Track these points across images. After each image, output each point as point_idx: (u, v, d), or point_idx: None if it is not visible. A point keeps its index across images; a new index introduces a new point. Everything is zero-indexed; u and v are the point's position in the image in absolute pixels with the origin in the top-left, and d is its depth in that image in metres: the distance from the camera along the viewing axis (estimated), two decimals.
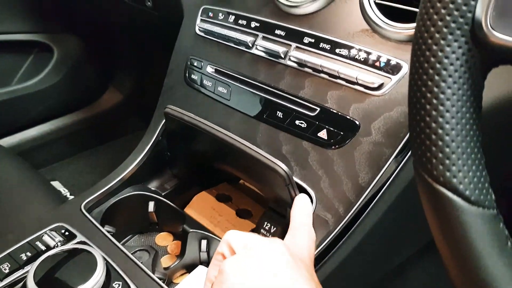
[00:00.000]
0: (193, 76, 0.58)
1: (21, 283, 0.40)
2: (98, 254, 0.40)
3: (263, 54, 0.51)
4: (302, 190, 0.45)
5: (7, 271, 0.41)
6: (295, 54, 0.48)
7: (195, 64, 0.58)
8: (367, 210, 0.43)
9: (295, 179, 0.45)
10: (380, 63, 0.43)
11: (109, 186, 0.53)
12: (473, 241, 0.22)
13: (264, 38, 0.51)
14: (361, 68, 0.44)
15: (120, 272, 0.41)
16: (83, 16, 1.16)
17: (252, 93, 0.51)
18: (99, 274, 0.39)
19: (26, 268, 0.41)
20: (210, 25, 0.58)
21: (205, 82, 0.56)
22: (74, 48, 1.19)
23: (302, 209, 0.42)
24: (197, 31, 0.60)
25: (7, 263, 0.42)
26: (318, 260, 0.43)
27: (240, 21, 0.54)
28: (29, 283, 0.37)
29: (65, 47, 1.17)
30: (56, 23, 1.15)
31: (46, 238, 0.45)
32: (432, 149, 0.22)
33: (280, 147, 0.48)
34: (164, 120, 0.57)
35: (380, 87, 0.43)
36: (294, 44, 0.48)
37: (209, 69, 0.56)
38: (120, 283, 0.40)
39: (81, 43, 1.19)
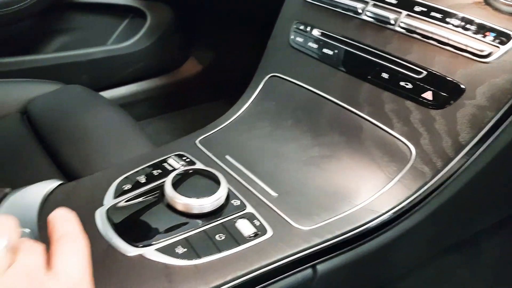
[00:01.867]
0: (298, 39, 0.63)
1: (157, 191, 0.47)
2: (220, 174, 0.47)
3: (372, 20, 0.55)
4: (402, 144, 0.49)
5: (143, 181, 0.49)
6: (405, 20, 0.52)
7: (301, 27, 0.63)
8: (464, 167, 0.46)
9: (395, 134, 0.50)
10: (490, 33, 0.46)
11: (217, 130, 0.60)
12: None
13: (374, 5, 0.55)
14: (470, 37, 0.47)
15: (236, 193, 0.48)
16: None
17: (358, 55, 0.55)
18: (224, 189, 0.45)
19: (160, 180, 0.48)
20: None
21: (310, 44, 0.61)
22: (166, 17, 1.27)
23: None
24: None
25: (143, 175, 0.50)
26: (409, 209, 0.48)
27: None
28: (167, 188, 0.45)
29: (158, 15, 1.26)
30: None
31: (171, 161, 0.52)
32: None
33: (382, 106, 0.52)
34: (266, 78, 0.63)
35: (488, 55, 0.46)
36: (404, 12, 0.52)
37: (315, 32, 0.61)
38: (239, 201, 0.47)
39: (172, 13, 1.27)
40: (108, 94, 1.22)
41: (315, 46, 0.60)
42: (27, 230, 0.41)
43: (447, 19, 0.49)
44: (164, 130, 1.29)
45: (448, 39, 0.48)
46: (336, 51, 0.58)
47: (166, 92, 1.35)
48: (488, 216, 0.60)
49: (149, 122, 1.29)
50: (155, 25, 1.26)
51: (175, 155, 0.54)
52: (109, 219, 0.44)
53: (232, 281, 0.39)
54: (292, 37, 0.64)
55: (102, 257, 0.40)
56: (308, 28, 0.62)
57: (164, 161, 0.53)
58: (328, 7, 0.60)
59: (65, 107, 0.91)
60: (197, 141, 0.57)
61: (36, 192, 0.47)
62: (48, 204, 0.46)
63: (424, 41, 0.50)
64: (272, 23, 0.67)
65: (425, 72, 0.49)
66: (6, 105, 0.93)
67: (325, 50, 0.59)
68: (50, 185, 0.49)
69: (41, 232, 0.41)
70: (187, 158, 0.53)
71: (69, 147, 0.80)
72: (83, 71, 1.18)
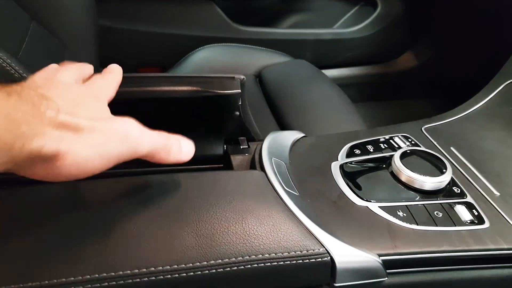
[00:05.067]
0: None
1: (385, 161, 0.54)
2: (446, 161, 0.51)
3: None
4: None
5: (371, 150, 0.57)
6: None
7: None
8: None
9: None
10: None
11: (444, 122, 0.63)
12: None
13: None
14: None
15: (458, 182, 0.52)
16: None
17: None
18: (448, 175, 0.50)
19: (388, 153, 0.55)
20: None
21: None
22: (395, 9, 1.31)
23: None
24: None
25: (372, 145, 0.57)
26: None
27: None
28: (396, 159, 0.52)
29: (388, 4, 1.31)
30: None
31: (397, 139, 0.59)
32: None
33: None
34: (505, 84, 0.64)
35: None
36: None
37: None
38: (459, 190, 0.51)
39: (402, 6, 1.31)
40: (326, 73, 1.34)
41: None
42: (283, 163, 0.53)
43: None
44: (373, 117, 1.35)
45: None
46: None
47: (377, 81, 1.40)
48: None
49: (358, 106, 1.37)
50: (383, 15, 1.31)
51: (402, 135, 0.60)
52: (343, 172, 0.53)
53: (447, 252, 0.44)
54: None
55: (335, 199, 0.50)
56: None
57: (391, 138, 0.60)
58: None
59: (291, 77, 1.05)
60: (423, 128, 0.62)
61: (289, 136, 0.59)
62: (295, 147, 0.58)
63: None
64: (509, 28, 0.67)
65: None
66: (245, 66, 1.12)
67: None
68: (298, 134, 0.61)
69: (291, 165, 0.53)
70: (413, 140, 0.59)
71: (292, 112, 0.93)
72: (308, 48, 1.32)
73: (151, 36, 1.23)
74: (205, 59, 1.14)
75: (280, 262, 0.40)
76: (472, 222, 0.47)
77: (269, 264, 0.40)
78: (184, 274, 0.38)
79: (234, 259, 0.39)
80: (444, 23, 1.32)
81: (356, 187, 0.51)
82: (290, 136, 0.60)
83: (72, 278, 0.36)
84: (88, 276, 0.36)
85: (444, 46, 1.35)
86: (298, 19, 1.38)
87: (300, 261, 0.41)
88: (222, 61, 1.15)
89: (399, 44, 1.39)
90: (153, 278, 0.37)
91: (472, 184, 0.52)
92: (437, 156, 0.53)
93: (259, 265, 0.40)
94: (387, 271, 0.44)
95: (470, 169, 0.55)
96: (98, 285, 0.36)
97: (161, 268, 0.38)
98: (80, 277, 0.36)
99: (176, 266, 0.38)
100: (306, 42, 1.32)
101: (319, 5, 1.38)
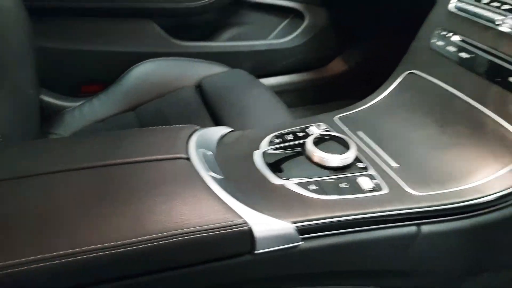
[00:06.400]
0: (438, 43, 0.72)
1: (300, 146, 0.61)
2: (351, 141, 0.59)
3: (509, 31, 0.62)
4: None
5: (290, 138, 0.64)
6: None
7: (443, 33, 0.71)
8: None
9: None
10: None
11: (354, 111, 0.72)
12: None
13: None
14: None
15: (362, 158, 0.60)
16: None
17: (491, 60, 0.62)
18: (352, 152, 0.58)
19: (303, 140, 0.62)
20: (465, 4, 0.70)
21: (449, 48, 0.69)
22: (321, 18, 1.42)
23: None
24: (450, 9, 0.73)
25: (291, 134, 0.65)
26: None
27: (492, 3, 0.66)
28: (308, 143, 0.59)
29: (315, 16, 1.42)
30: None
31: (312, 128, 0.66)
32: None
33: (506, 106, 0.58)
34: (405, 74, 0.73)
35: None
36: None
37: (455, 38, 0.69)
38: (363, 164, 0.59)
39: (328, 15, 1.42)
40: (263, 81, 1.42)
41: (453, 49, 0.68)
42: (209, 152, 0.59)
43: None
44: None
45: None
46: (472, 55, 0.65)
47: (313, 85, 1.50)
48: None
49: (296, 110, 1.46)
50: (311, 26, 1.42)
51: (316, 124, 0.68)
52: (263, 158, 0.60)
53: (350, 216, 0.51)
54: (433, 40, 0.73)
55: (255, 180, 0.56)
56: (449, 34, 0.70)
57: (307, 127, 0.67)
58: (470, 17, 0.68)
59: (230, 85, 1.12)
60: (335, 118, 0.70)
61: (217, 131, 0.65)
62: (223, 140, 0.64)
63: None
64: (414, 29, 0.77)
65: None
66: (185, 78, 1.18)
67: (461, 54, 0.67)
68: (226, 129, 0.67)
69: (218, 154, 0.59)
70: (326, 128, 0.67)
71: (230, 116, 1.00)
72: (245, 59, 1.40)
73: (91, 54, 1.26)
74: (146, 74, 1.20)
75: (204, 234, 0.46)
76: (373, 190, 0.55)
77: (193, 236, 0.45)
78: (115, 251, 0.43)
79: (160, 234, 0.44)
80: (367, 31, 1.44)
81: (275, 169, 0.58)
82: (218, 131, 0.66)
83: (11, 261, 0.40)
84: (26, 259, 0.40)
85: (369, 51, 1.47)
86: (235, 32, 1.46)
87: (222, 231, 0.46)
88: (162, 74, 1.20)
89: (329, 51, 1.50)
90: (86, 256, 0.42)
91: (374, 160, 0.60)
92: (343, 138, 0.61)
93: (185, 237, 0.45)
94: (302, 236, 0.50)
95: (373, 148, 0.63)
96: (35, 265, 0.40)
97: (93, 246, 0.42)
98: (19, 260, 0.40)
99: (107, 244, 0.42)
100: (243, 54, 1.40)
101: (253, 19, 1.46)
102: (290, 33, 1.43)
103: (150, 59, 1.22)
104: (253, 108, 1.03)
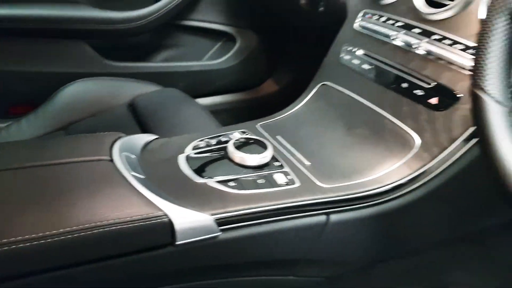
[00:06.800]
0: (346, 57, 0.80)
1: (223, 150, 0.66)
2: (268, 142, 0.65)
3: (401, 44, 0.71)
4: (411, 136, 0.64)
5: (214, 143, 0.68)
6: (425, 46, 0.67)
7: (349, 49, 0.80)
8: (456, 156, 0.59)
9: (407, 129, 0.64)
10: None
11: (274, 119, 0.78)
12: (496, 128, 0.39)
13: (404, 33, 0.71)
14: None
15: (279, 157, 0.65)
16: (264, 17, 1.48)
17: (386, 70, 0.71)
18: (269, 152, 0.63)
19: (225, 144, 0.67)
20: (366, 23, 0.79)
21: (354, 61, 0.78)
22: (252, 41, 1.50)
23: None
24: (355, 27, 0.82)
25: (215, 139, 0.69)
26: (409, 184, 0.61)
27: (388, 21, 0.75)
28: (230, 146, 0.63)
29: (246, 40, 1.50)
30: (242, 20, 1.48)
31: (235, 133, 0.72)
32: (480, 71, 0.40)
33: (400, 108, 0.67)
34: (319, 85, 0.81)
35: None
36: (425, 39, 0.67)
37: (359, 53, 0.78)
38: (279, 163, 0.64)
39: (258, 38, 1.50)
40: (198, 101, 1.47)
41: (357, 62, 0.77)
42: (133, 156, 0.62)
43: (455, 45, 0.63)
44: None
45: (455, 61, 0.62)
46: (372, 66, 0.74)
47: (247, 105, 1.57)
48: (490, 212, 0.69)
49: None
50: (242, 48, 1.49)
51: (240, 131, 0.73)
52: (187, 161, 0.64)
53: (265, 207, 0.56)
54: (341, 55, 0.81)
55: (178, 180, 0.60)
56: (355, 49, 0.79)
57: (231, 133, 0.72)
58: (371, 34, 0.77)
59: (162, 103, 1.15)
60: (257, 125, 0.76)
61: (142, 137, 0.69)
62: (149, 146, 0.67)
63: (436, 61, 0.65)
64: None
65: (434, 83, 0.64)
66: (118, 97, 1.19)
67: (364, 66, 0.75)
68: (151, 136, 0.70)
69: (143, 158, 0.62)
70: (248, 133, 0.72)
71: (162, 133, 1.03)
72: (180, 79, 1.44)
73: (21, 75, 1.25)
74: (77, 93, 1.20)
75: (123, 225, 0.48)
76: (286, 184, 0.60)
77: (113, 228, 0.48)
78: (36, 243, 0.44)
79: (81, 226, 0.46)
80: (294, 53, 1.54)
81: (198, 171, 0.62)
82: (143, 137, 0.69)
83: None
84: None
85: (297, 72, 1.56)
86: (169, 54, 1.50)
87: (142, 223, 0.49)
88: (94, 93, 1.21)
89: (261, 72, 1.58)
90: (6, 248, 0.43)
91: (289, 159, 0.66)
92: (261, 141, 0.66)
93: (105, 229, 0.47)
94: (220, 227, 0.54)
95: (289, 149, 0.69)
96: None
97: (13, 239, 0.44)
98: None
99: (27, 236, 0.44)
100: (177, 74, 1.44)
101: (187, 41, 1.52)
102: (223, 55, 1.50)
103: (81, 79, 1.22)
104: (185, 124, 1.06)
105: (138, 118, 1.10)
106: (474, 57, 0.42)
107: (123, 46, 1.42)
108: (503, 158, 0.38)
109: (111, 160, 0.57)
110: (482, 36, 0.41)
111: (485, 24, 0.41)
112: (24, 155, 0.57)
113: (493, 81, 0.39)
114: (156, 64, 1.44)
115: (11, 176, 0.52)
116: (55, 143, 0.61)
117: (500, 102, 0.39)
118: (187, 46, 1.51)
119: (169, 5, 1.34)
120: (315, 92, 0.82)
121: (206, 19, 1.47)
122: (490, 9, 0.41)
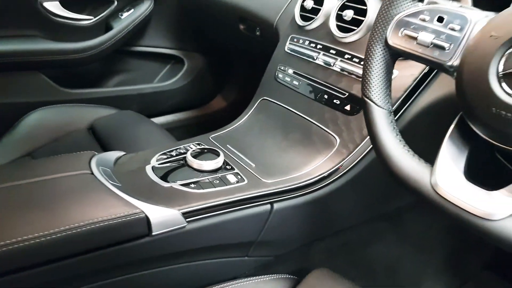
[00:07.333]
0: (280, 75, 0.97)
1: (183, 159, 0.79)
2: (220, 151, 0.79)
3: (321, 63, 0.88)
4: (332, 137, 0.80)
5: (174, 154, 0.82)
6: (339, 64, 0.84)
7: (282, 68, 0.97)
8: (367, 149, 0.76)
9: (329, 131, 0.81)
10: None
11: (224, 131, 0.93)
12: (378, 125, 0.56)
13: (323, 54, 0.88)
14: None
15: (230, 162, 0.80)
16: (209, 41, 1.63)
17: (312, 84, 0.88)
18: (221, 158, 0.78)
19: (184, 154, 0.80)
20: (294, 46, 0.96)
21: (286, 78, 0.94)
22: (199, 63, 1.65)
23: None
24: (286, 50, 0.99)
25: (175, 151, 0.82)
26: (332, 175, 0.77)
27: (311, 44, 0.93)
28: (188, 156, 0.77)
29: (193, 61, 1.64)
30: (189, 44, 1.62)
31: (192, 145, 0.85)
32: (366, 83, 0.57)
33: (323, 115, 0.84)
34: (259, 100, 0.97)
35: None
36: (339, 58, 0.85)
37: (290, 71, 0.94)
38: (230, 166, 0.79)
39: (205, 60, 1.65)
40: (153, 120, 1.58)
41: (289, 79, 0.94)
42: (108, 169, 0.74)
43: (361, 63, 0.81)
44: None
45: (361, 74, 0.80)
46: (300, 82, 0.91)
47: (198, 121, 1.70)
48: (398, 195, 0.87)
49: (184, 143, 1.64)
50: (190, 70, 1.64)
51: (196, 143, 0.87)
52: (153, 170, 0.77)
53: (220, 201, 0.70)
54: (276, 74, 0.97)
55: (152, 187, 0.72)
56: (286, 68, 0.95)
57: (188, 145, 0.86)
58: (298, 55, 0.94)
59: (120, 125, 1.26)
60: (210, 137, 0.90)
61: (113, 154, 0.81)
62: (120, 160, 0.80)
63: (349, 76, 0.82)
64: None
65: (347, 94, 0.81)
66: (77, 122, 1.29)
67: (294, 82, 0.92)
68: (120, 153, 0.83)
69: (116, 171, 0.75)
70: (202, 145, 0.86)
71: (125, 151, 1.14)
72: (134, 101, 1.55)
73: None
74: (38, 121, 1.28)
75: (109, 222, 0.61)
76: (237, 182, 0.75)
77: (102, 224, 0.60)
78: (38, 240, 0.56)
79: (76, 224, 0.58)
80: (238, 73, 1.71)
81: (164, 177, 0.75)
82: (114, 154, 0.82)
83: None
84: None
85: (242, 89, 1.72)
86: (122, 78, 1.61)
87: (124, 219, 0.62)
88: (54, 120, 1.29)
89: (209, 90, 1.73)
90: (10, 247, 0.54)
91: (238, 162, 0.81)
92: (214, 149, 0.80)
93: (95, 225, 0.60)
94: (187, 220, 0.68)
95: (238, 154, 0.83)
96: None
97: (2, 243, 0.55)
98: None
99: (31, 235, 0.55)
100: (131, 96, 1.55)
101: (138, 65, 1.63)
102: (173, 77, 1.63)
103: (41, 108, 1.30)
104: (144, 142, 1.18)
105: (99, 140, 1.20)
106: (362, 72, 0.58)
107: (78, 73, 1.52)
108: (383, 145, 0.55)
109: (92, 173, 0.70)
110: (367, 58, 0.57)
111: (368, 49, 0.58)
112: (11, 175, 0.68)
113: (375, 91, 0.56)
114: (110, 89, 1.55)
115: (6, 192, 0.63)
116: (37, 164, 0.72)
117: (380, 106, 0.56)
118: (139, 70, 1.63)
119: (119, 34, 1.45)
120: (256, 106, 0.98)
121: (155, 44, 1.60)
122: (371, 38, 0.58)
